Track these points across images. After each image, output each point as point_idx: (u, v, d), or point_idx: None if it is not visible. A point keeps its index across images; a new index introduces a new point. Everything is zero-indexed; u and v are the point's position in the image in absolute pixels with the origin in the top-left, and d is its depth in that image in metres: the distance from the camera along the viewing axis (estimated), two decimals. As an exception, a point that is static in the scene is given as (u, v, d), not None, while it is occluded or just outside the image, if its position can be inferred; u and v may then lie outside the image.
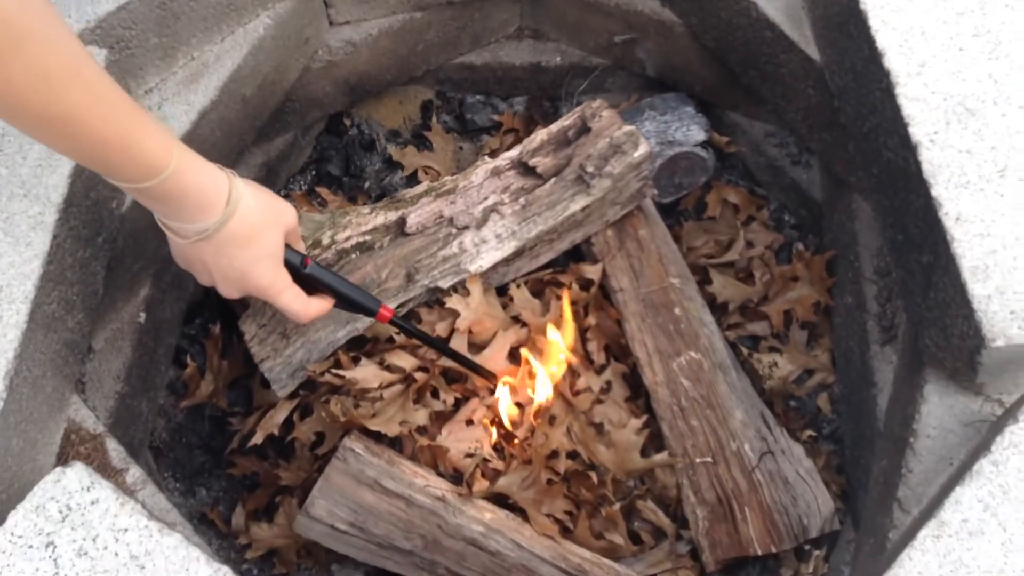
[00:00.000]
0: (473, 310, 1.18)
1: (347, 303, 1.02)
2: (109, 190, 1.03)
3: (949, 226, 0.90)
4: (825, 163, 1.35)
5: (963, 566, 0.76)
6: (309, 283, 0.98)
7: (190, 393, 1.32)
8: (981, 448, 0.84)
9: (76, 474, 0.80)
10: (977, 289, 0.87)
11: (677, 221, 1.50)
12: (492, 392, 1.20)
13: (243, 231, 0.86)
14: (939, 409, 0.95)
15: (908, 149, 0.96)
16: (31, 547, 0.77)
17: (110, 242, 1.03)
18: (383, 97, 1.61)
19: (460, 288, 1.19)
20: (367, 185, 1.57)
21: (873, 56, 1.02)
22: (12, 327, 0.84)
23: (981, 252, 0.89)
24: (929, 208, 0.92)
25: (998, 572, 0.76)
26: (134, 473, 0.97)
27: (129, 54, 1.08)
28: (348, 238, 1.18)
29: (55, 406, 0.94)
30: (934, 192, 0.92)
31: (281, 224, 0.91)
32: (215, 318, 1.39)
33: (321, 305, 0.99)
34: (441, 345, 1.14)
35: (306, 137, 1.56)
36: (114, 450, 0.98)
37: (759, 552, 1.15)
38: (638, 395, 1.27)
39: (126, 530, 0.77)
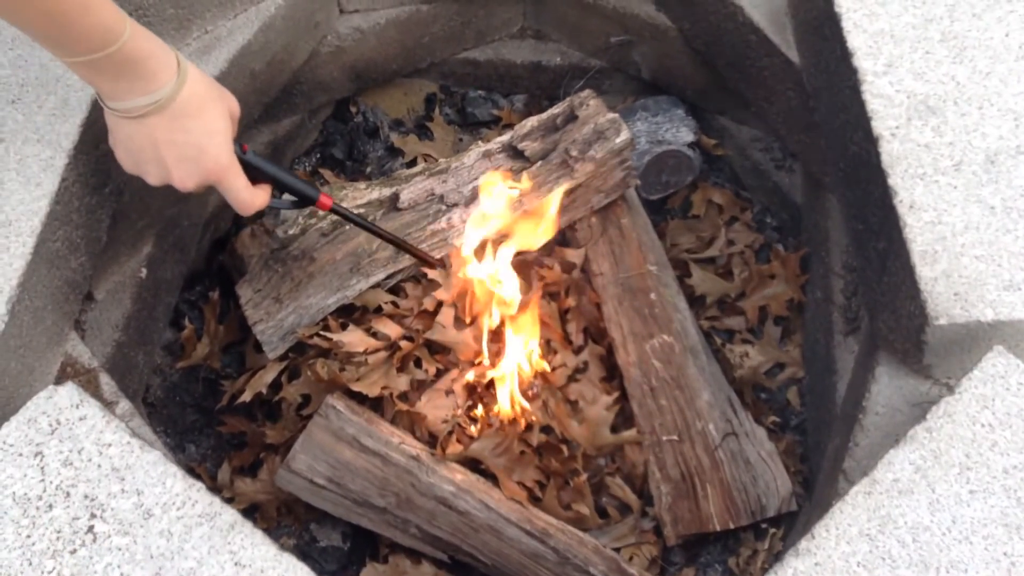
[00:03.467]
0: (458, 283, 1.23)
1: (289, 191, 1.01)
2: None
3: (903, 212, 0.95)
4: (804, 164, 1.41)
5: (891, 521, 0.80)
6: (247, 173, 0.94)
7: (186, 354, 1.38)
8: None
9: (67, 392, 0.86)
10: (925, 272, 0.92)
11: (664, 219, 1.55)
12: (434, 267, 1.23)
13: (195, 99, 0.84)
14: (888, 389, 1.00)
15: (870, 142, 1.01)
16: (21, 455, 0.82)
17: (116, 194, 1.09)
18: (389, 88, 1.67)
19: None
20: (368, 170, 1.63)
21: (844, 56, 1.08)
22: (18, 257, 0.90)
23: (931, 238, 0.94)
24: (886, 196, 0.98)
25: (923, 529, 0.80)
26: (123, 406, 1.03)
27: (146, 22, 1.15)
28: (343, 210, 1.24)
29: (53, 339, 0.99)
30: (891, 181, 0.97)
31: (225, 100, 0.90)
32: (215, 285, 1.45)
33: (264, 197, 0.96)
34: (382, 232, 1.14)
35: (313, 121, 1.63)
36: (107, 384, 1.03)
37: (718, 528, 1.19)
38: (613, 376, 1.31)
39: (110, 445, 0.83)
